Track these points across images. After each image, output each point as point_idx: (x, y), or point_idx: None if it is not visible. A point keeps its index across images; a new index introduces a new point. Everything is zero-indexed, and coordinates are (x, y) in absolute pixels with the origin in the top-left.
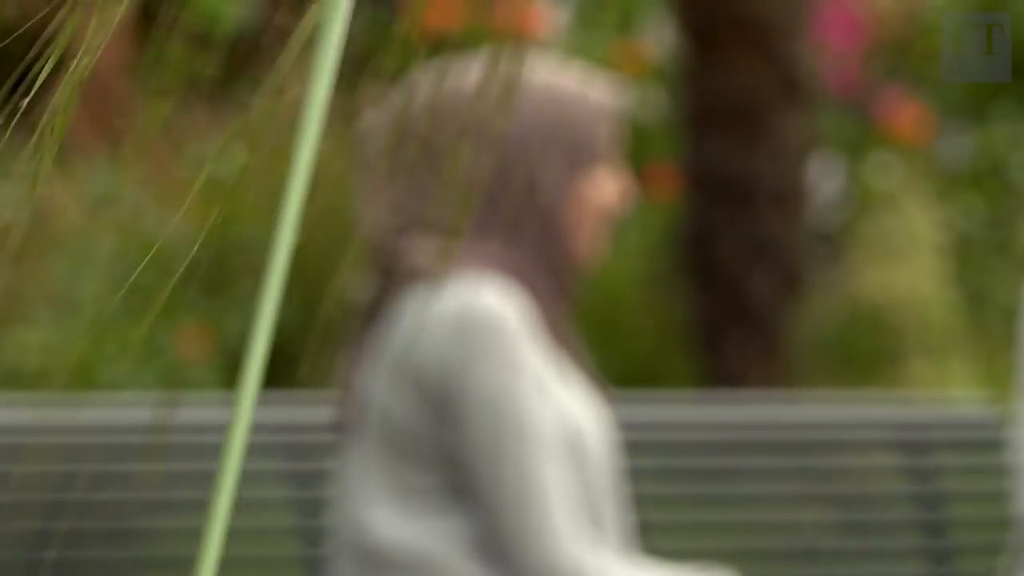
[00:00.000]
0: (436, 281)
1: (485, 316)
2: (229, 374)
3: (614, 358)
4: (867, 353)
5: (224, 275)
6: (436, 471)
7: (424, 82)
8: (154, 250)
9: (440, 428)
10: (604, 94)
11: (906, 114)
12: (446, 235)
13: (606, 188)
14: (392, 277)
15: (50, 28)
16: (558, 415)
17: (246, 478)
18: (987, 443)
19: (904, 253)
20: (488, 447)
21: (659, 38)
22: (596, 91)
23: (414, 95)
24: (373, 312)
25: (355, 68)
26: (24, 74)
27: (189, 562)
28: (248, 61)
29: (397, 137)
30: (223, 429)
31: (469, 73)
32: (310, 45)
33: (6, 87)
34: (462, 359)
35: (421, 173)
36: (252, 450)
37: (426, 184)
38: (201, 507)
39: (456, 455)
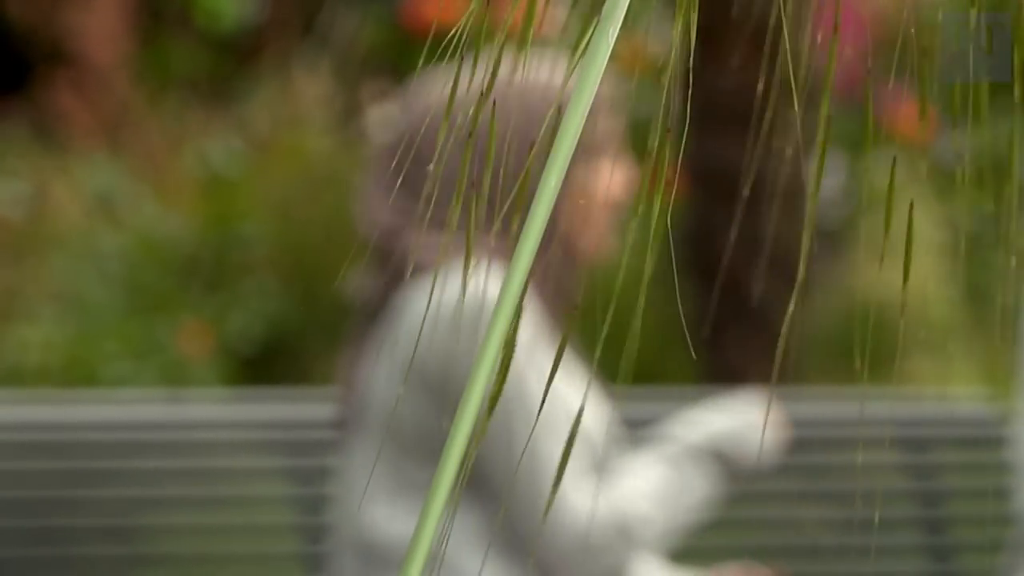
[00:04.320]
0: (436, 275)
1: (487, 304)
2: (230, 371)
3: (614, 356)
4: (867, 351)
5: (224, 272)
6: (438, 465)
7: (425, 80)
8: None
9: (444, 421)
10: (602, 86)
11: (906, 113)
12: (446, 231)
13: (608, 180)
14: (393, 274)
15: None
16: (559, 401)
17: (246, 475)
18: (987, 440)
19: (904, 252)
20: (498, 432)
21: (660, 36)
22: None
23: (416, 93)
24: (374, 309)
25: (358, 66)
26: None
27: (191, 559)
28: (248, 60)
29: (399, 135)
30: (223, 426)
31: (468, 71)
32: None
33: None
34: (465, 348)
35: (422, 170)
36: (252, 447)
37: (427, 181)
38: (202, 504)
39: None
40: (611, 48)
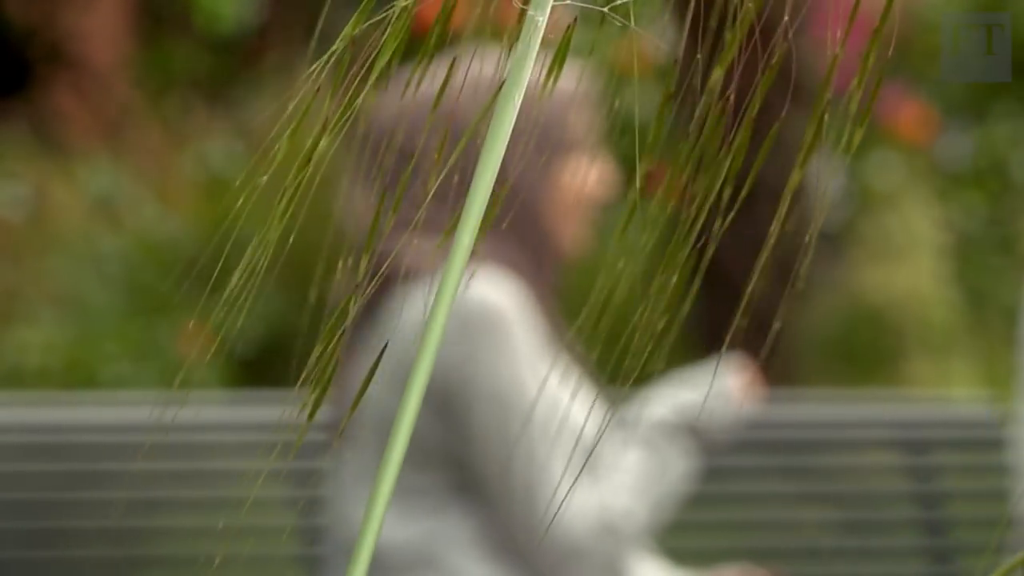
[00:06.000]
0: (427, 278)
1: (480, 306)
2: (229, 373)
3: (615, 357)
4: (867, 352)
5: (224, 274)
6: (435, 470)
7: (413, 80)
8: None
9: (440, 425)
10: (577, 82)
11: (907, 114)
12: (433, 233)
13: (584, 177)
14: (384, 277)
15: None
16: (554, 403)
17: (245, 477)
18: (987, 442)
19: (904, 252)
20: (496, 436)
21: (660, 37)
22: (569, 79)
23: (404, 93)
24: (366, 312)
25: (353, 66)
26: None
27: (189, 561)
28: (248, 62)
29: (387, 136)
30: (222, 428)
31: (452, 69)
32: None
33: None
34: (462, 352)
35: (409, 172)
36: (251, 449)
37: (414, 183)
38: (201, 506)
39: (459, 450)
40: (537, 46)
